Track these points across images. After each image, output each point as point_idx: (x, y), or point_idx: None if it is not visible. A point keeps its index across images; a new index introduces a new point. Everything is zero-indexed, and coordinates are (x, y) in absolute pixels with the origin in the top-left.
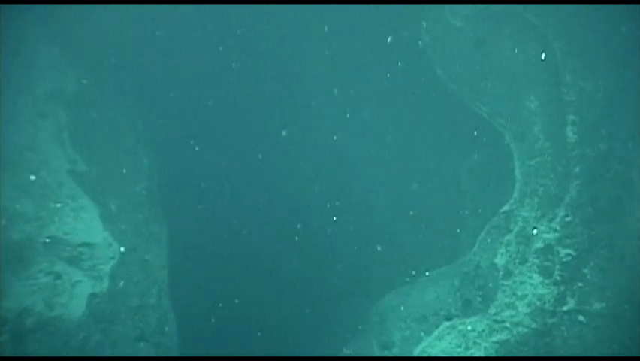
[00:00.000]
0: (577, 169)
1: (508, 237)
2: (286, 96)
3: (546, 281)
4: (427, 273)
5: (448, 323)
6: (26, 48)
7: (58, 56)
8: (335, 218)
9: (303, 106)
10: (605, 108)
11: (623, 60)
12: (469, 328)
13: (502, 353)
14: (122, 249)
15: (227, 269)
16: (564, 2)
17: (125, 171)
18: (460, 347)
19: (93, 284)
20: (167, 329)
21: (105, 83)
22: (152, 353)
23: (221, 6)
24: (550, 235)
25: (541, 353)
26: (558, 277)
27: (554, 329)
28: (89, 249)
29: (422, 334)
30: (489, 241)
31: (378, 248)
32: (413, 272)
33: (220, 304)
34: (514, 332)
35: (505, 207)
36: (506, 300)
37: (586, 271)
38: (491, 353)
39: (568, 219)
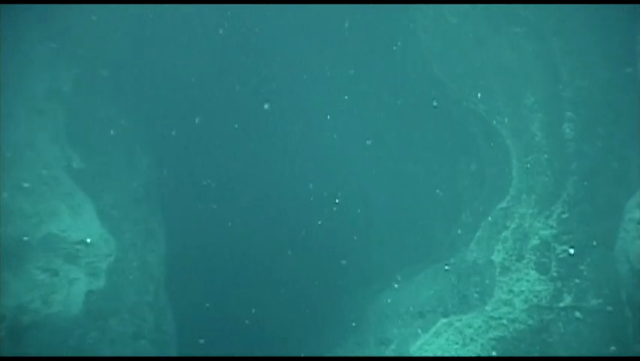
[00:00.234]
0: (574, 166)
1: (505, 233)
2: (284, 95)
3: (543, 278)
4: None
5: (444, 320)
6: (24, 47)
7: (56, 55)
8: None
9: (299, 105)
10: (603, 106)
11: (620, 58)
12: (466, 325)
13: (498, 350)
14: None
15: (225, 266)
16: (562, 2)
17: (122, 168)
18: (457, 343)
19: (90, 281)
20: (164, 326)
21: (103, 81)
22: (149, 350)
23: (221, 6)
24: (547, 232)
25: (538, 350)
26: (555, 274)
27: (551, 325)
28: (86, 246)
29: (419, 330)
30: (486, 237)
31: (374, 245)
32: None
33: (217, 302)
34: (511, 329)
35: (502, 204)
36: (503, 297)
37: (582, 267)
38: (488, 350)
39: (565, 215)
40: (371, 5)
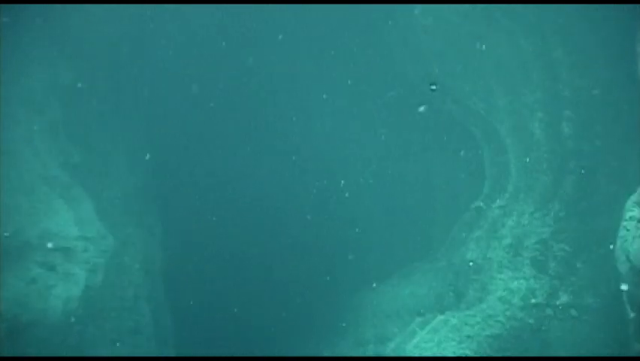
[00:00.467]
0: (572, 164)
1: (479, 232)
2: (280, 95)
3: (539, 275)
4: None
5: (441, 317)
6: (23, 45)
7: (54, 52)
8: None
9: (292, 104)
10: (601, 104)
11: (619, 57)
12: (463, 322)
13: (495, 347)
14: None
15: (222, 262)
16: (535, 3)
17: (119, 164)
18: (453, 340)
19: (87, 277)
20: (161, 320)
21: (101, 79)
22: (146, 345)
23: (220, 5)
24: (545, 230)
25: (535, 347)
26: (551, 272)
27: (547, 323)
28: (83, 242)
29: (416, 328)
30: (460, 237)
31: (364, 243)
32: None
33: (214, 297)
34: (508, 326)
35: (476, 204)
36: (478, 295)
37: (579, 265)
38: (485, 347)
39: (562, 214)
40: (370, 5)
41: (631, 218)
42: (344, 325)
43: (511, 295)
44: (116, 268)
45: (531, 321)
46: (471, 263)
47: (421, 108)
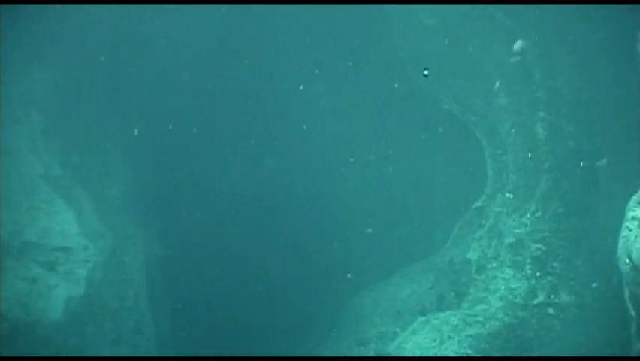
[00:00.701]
0: (546, 165)
1: (481, 232)
2: (265, 94)
3: (517, 275)
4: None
5: (422, 318)
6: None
7: (30, 60)
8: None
9: (292, 104)
10: (574, 106)
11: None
12: (443, 322)
13: (475, 347)
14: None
15: (204, 270)
16: (535, 2)
17: (100, 174)
18: (434, 341)
19: (69, 288)
20: (144, 331)
21: (80, 87)
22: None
23: (206, 6)
24: (521, 230)
25: (513, 346)
26: (529, 271)
27: (525, 321)
28: (64, 253)
29: (397, 329)
30: (462, 236)
31: (365, 243)
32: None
33: (197, 306)
34: (487, 326)
35: (478, 203)
36: (479, 294)
37: (555, 264)
38: (465, 347)
39: (538, 214)
40: (370, 5)
41: (633, 218)
42: (344, 324)
43: (513, 294)
44: (116, 267)
45: (510, 320)
46: (449, 264)
47: (426, 72)
